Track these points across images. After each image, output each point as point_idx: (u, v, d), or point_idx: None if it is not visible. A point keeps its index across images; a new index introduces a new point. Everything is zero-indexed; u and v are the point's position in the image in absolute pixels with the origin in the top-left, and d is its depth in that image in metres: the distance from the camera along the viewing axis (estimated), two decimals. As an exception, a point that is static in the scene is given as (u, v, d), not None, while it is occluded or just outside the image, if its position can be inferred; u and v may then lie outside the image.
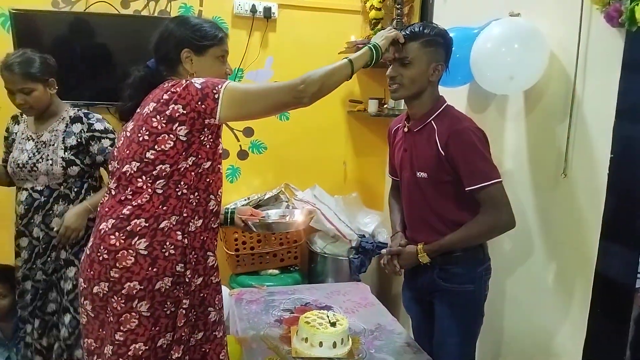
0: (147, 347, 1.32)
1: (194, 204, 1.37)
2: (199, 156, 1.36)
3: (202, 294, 1.43)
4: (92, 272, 1.34)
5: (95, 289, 1.33)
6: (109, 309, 1.33)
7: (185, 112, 1.30)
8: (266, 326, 1.83)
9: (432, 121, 1.62)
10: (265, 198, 2.80)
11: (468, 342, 1.71)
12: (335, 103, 3.05)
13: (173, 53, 1.44)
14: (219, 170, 1.44)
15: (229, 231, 2.65)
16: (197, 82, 1.32)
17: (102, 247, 1.32)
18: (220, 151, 1.44)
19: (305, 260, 2.93)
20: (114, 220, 1.33)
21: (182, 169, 1.34)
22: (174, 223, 1.34)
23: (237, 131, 2.96)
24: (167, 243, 1.33)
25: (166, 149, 1.31)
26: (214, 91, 1.30)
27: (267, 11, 2.80)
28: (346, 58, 1.44)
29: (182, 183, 1.34)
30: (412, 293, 1.85)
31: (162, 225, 1.32)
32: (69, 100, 2.58)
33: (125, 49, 2.60)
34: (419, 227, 1.70)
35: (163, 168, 1.32)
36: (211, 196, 1.41)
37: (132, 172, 1.33)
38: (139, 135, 1.33)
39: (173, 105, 1.30)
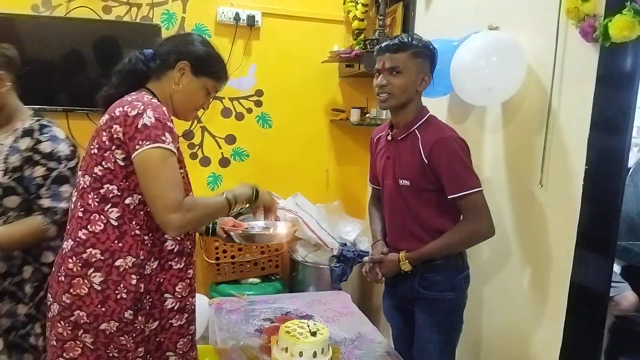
0: None
1: (149, 245, 1.30)
2: (142, 196, 1.26)
3: (158, 339, 1.36)
4: (53, 290, 1.30)
5: (50, 307, 1.30)
6: (53, 332, 1.28)
7: (122, 138, 1.23)
8: (246, 336, 1.82)
9: (416, 130, 1.64)
10: (246, 206, 2.77)
11: (448, 350, 1.72)
12: (318, 112, 3.06)
13: (174, 56, 1.37)
14: None
15: (209, 240, 2.63)
16: (145, 120, 1.21)
17: (62, 268, 1.27)
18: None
19: (287, 268, 2.92)
20: (72, 242, 1.27)
21: (132, 207, 1.27)
22: (130, 265, 1.26)
23: (219, 138, 2.95)
24: (121, 285, 1.25)
25: (112, 168, 1.25)
26: (141, 142, 1.20)
27: (251, 19, 2.81)
28: (228, 195, 1.37)
29: (133, 223, 1.27)
30: (392, 301, 1.85)
31: (117, 264, 1.26)
32: (47, 106, 2.56)
33: (107, 54, 2.58)
34: (401, 235, 1.71)
35: (110, 189, 1.25)
36: (166, 236, 1.33)
37: (85, 186, 1.28)
38: (92, 147, 1.28)
39: (116, 126, 1.23)
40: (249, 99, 2.97)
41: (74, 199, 1.33)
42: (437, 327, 1.67)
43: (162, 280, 1.34)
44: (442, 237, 1.61)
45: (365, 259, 1.78)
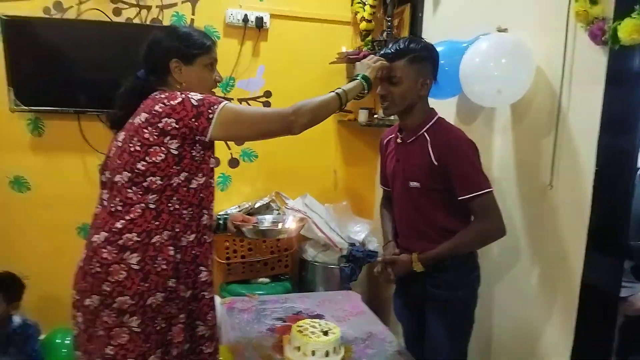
0: None
1: (187, 219, 1.37)
2: (191, 171, 1.35)
3: (190, 307, 1.42)
4: (85, 284, 1.33)
5: (86, 302, 1.33)
6: (98, 322, 1.32)
7: (177, 126, 1.30)
8: (258, 335, 1.84)
9: (425, 133, 1.65)
10: (256, 206, 2.81)
11: (459, 349, 1.74)
12: (326, 112, 3.07)
13: (162, 63, 1.43)
14: (212, 185, 1.43)
15: (219, 240, 2.65)
16: (194, 98, 1.32)
17: (94, 260, 1.31)
18: (213, 166, 1.43)
19: (296, 268, 2.94)
20: (106, 234, 1.32)
21: (175, 184, 1.33)
22: (166, 238, 1.33)
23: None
24: (159, 258, 1.32)
25: (157, 161, 1.31)
26: (209, 110, 1.31)
27: (259, 21, 2.83)
28: (338, 90, 1.46)
29: (174, 198, 1.34)
30: (403, 301, 1.87)
31: (153, 240, 1.32)
32: (59, 107, 2.59)
33: (117, 56, 2.60)
34: (411, 236, 1.73)
35: (154, 180, 1.32)
36: (204, 211, 1.41)
37: (123, 182, 1.33)
38: (130, 145, 1.33)
39: (166, 119, 1.29)
40: (258, 99, 2.99)
41: (105, 196, 1.38)
42: (448, 326, 1.68)
43: (197, 253, 1.41)
44: (454, 238, 1.62)
45: (379, 259, 1.79)
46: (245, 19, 2.82)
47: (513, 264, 1.87)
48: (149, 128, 1.31)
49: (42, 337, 2.57)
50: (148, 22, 2.73)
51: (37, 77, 2.57)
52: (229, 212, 2.68)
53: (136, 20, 2.72)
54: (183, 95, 1.32)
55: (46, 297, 2.71)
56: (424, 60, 1.62)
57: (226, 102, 1.35)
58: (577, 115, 1.58)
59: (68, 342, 2.58)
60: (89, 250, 1.35)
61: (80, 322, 1.37)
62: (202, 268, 1.42)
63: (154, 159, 1.31)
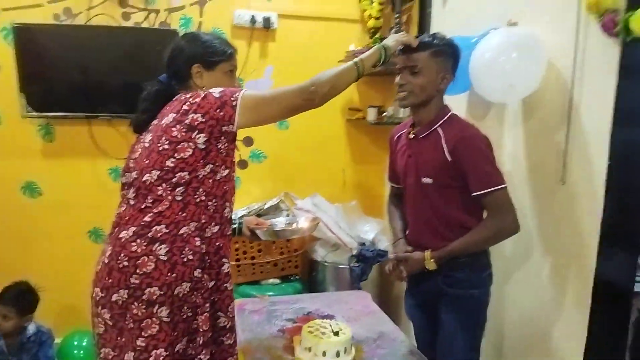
0: (167, 353, 1.33)
1: (212, 210, 1.41)
2: (216, 164, 1.39)
3: (212, 297, 1.45)
4: (110, 280, 1.34)
5: (114, 297, 1.34)
6: (128, 315, 1.34)
7: (204, 120, 1.34)
8: (269, 336, 1.83)
9: (438, 128, 1.64)
10: (265, 207, 2.81)
11: (473, 348, 1.71)
12: (335, 111, 3.07)
13: (184, 68, 1.49)
14: (233, 178, 1.48)
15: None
16: (216, 91, 1.37)
17: (122, 255, 1.34)
18: (234, 159, 1.47)
19: (306, 269, 2.94)
20: (135, 228, 1.35)
21: (201, 176, 1.37)
22: (193, 229, 1.37)
23: (237, 141, 2.96)
24: (186, 249, 1.35)
25: (185, 156, 1.35)
26: (232, 99, 1.35)
27: (267, 21, 2.83)
28: (355, 59, 1.47)
29: (200, 190, 1.38)
30: (415, 299, 1.86)
31: (181, 232, 1.36)
32: (70, 112, 2.62)
33: (127, 60, 2.63)
34: (423, 232, 1.71)
35: (182, 175, 1.36)
36: (227, 203, 1.45)
37: (152, 180, 1.36)
38: (159, 144, 1.36)
39: (192, 115, 1.34)
40: (266, 100, 2.99)
41: (131, 195, 1.40)
42: (461, 325, 1.67)
43: (221, 244, 1.45)
44: (467, 235, 1.60)
45: (391, 256, 1.77)
46: (253, 20, 2.82)
47: (525, 259, 1.85)
48: (177, 126, 1.35)
49: (57, 341, 2.60)
50: (156, 26, 2.75)
51: (47, 83, 2.59)
52: (238, 213, 2.69)
53: (145, 24, 2.74)
54: (205, 91, 1.38)
55: (59, 301, 2.75)
56: (446, 55, 1.62)
57: (245, 89, 1.40)
58: (590, 109, 1.55)
59: (85, 344, 2.61)
60: (116, 246, 1.36)
61: (108, 319, 1.37)
62: (224, 260, 1.46)
63: (182, 155, 1.35)
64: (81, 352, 2.61)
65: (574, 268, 1.63)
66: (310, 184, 2.98)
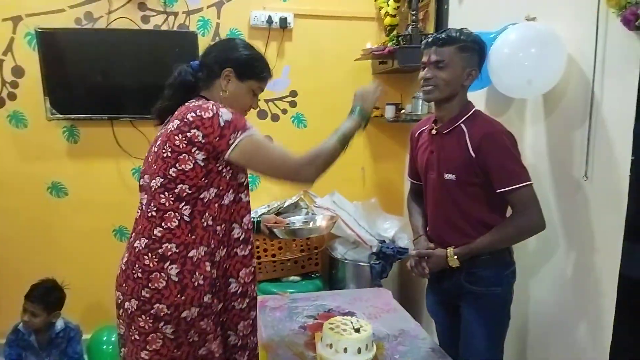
0: None
1: (220, 235, 1.41)
2: (220, 188, 1.38)
3: (221, 319, 1.46)
4: (126, 287, 1.38)
5: (126, 305, 1.37)
6: (134, 326, 1.36)
7: (203, 141, 1.32)
8: (290, 332, 1.85)
9: (462, 124, 1.63)
10: (285, 205, 2.83)
11: (495, 345, 1.71)
12: (352, 110, 3.06)
13: (218, 65, 1.45)
14: (243, 200, 1.46)
15: (250, 239, 2.68)
16: (224, 117, 1.32)
17: (137, 266, 1.36)
18: (243, 180, 1.45)
19: (326, 266, 2.95)
20: (146, 240, 1.36)
21: (206, 200, 1.36)
22: (203, 254, 1.37)
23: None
24: (197, 273, 1.35)
25: (186, 169, 1.33)
26: (232, 135, 1.32)
27: (283, 21, 2.85)
28: (338, 133, 1.46)
29: (206, 214, 1.37)
30: (437, 297, 1.85)
31: (191, 254, 1.35)
32: (93, 115, 2.68)
33: (147, 62, 2.67)
34: (445, 229, 1.70)
35: (183, 188, 1.34)
36: (234, 225, 1.44)
37: (157, 187, 1.36)
38: (164, 151, 1.36)
39: (195, 130, 1.31)
40: (284, 100, 3.01)
41: (144, 200, 1.42)
42: (484, 322, 1.66)
43: (227, 266, 1.45)
44: (491, 232, 1.59)
45: (413, 252, 1.77)
46: (270, 20, 2.84)
47: (549, 256, 1.83)
48: (179, 135, 1.33)
49: (86, 336, 2.67)
50: (175, 28, 2.79)
51: (71, 86, 2.66)
52: (258, 211, 2.72)
53: (164, 27, 2.79)
54: (214, 110, 1.33)
55: (86, 298, 2.82)
56: (472, 51, 1.61)
57: (253, 132, 1.36)
58: (612, 104, 1.53)
59: (114, 339, 2.67)
60: (132, 255, 1.39)
61: (122, 323, 1.42)
62: (231, 280, 1.46)
63: (183, 166, 1.33)
64: (110, 347, 2.67)
65: (598, 264, 1.61)
66: (330, 182, 2.98)
